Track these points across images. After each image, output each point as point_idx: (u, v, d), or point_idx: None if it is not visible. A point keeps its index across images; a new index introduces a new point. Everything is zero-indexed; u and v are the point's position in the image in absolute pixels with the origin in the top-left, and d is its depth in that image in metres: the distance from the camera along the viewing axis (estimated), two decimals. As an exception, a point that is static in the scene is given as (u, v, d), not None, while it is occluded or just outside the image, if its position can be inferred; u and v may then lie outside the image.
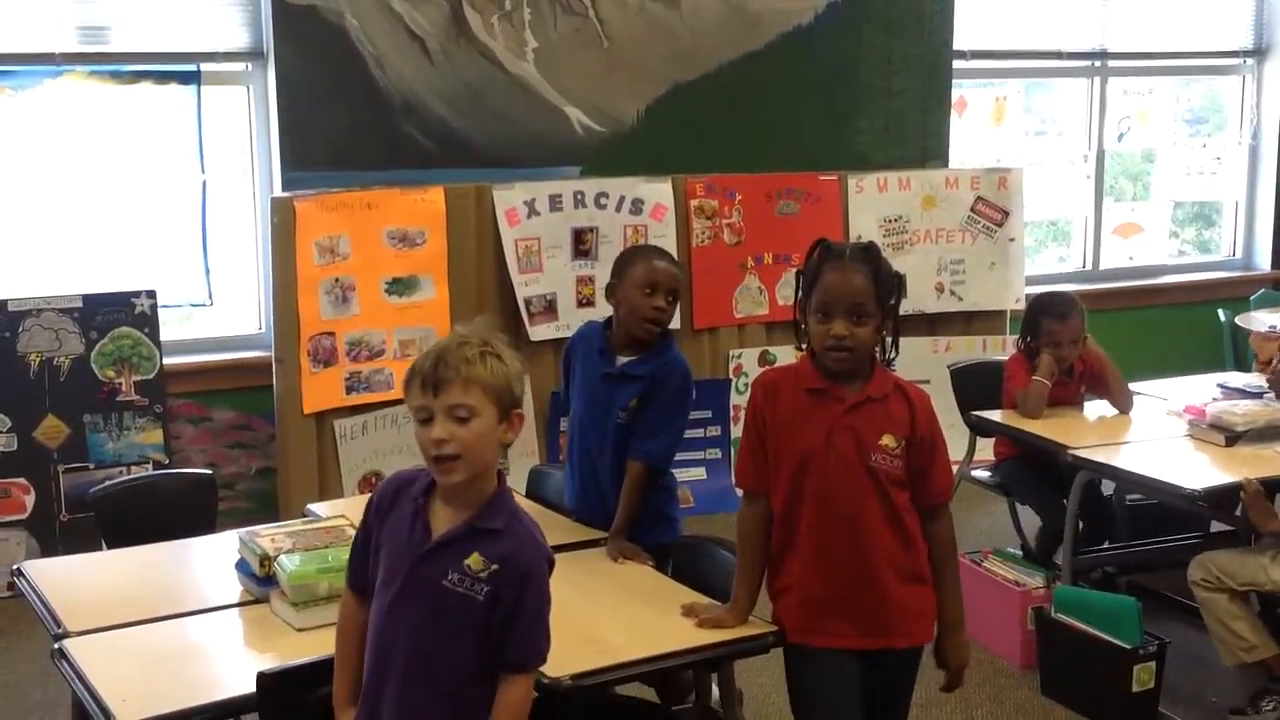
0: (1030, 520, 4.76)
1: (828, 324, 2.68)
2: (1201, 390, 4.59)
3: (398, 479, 2.42)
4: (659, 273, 3.39)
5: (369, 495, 2.46)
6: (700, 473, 5.72)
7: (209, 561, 3.20)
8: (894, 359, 2.80)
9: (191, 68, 5.22)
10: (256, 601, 2.92)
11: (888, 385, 2.75)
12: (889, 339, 2.78)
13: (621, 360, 3.44)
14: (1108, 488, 4.63)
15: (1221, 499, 4.05)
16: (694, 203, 5.77)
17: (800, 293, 2.78)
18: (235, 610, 2.92)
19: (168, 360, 5.09)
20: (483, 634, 2.27)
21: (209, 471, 3.81)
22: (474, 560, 2.26)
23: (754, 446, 2.80)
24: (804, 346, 2.81)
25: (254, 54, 5.33)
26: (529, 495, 3.72)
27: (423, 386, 2.27)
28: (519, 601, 2.27)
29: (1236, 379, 4.67)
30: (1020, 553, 4.60)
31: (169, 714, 2.43)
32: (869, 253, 2.74)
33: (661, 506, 3.44)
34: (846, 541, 2.71)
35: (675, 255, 5.58)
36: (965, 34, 6.47)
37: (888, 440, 2.70)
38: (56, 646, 2.71)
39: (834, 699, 2.73)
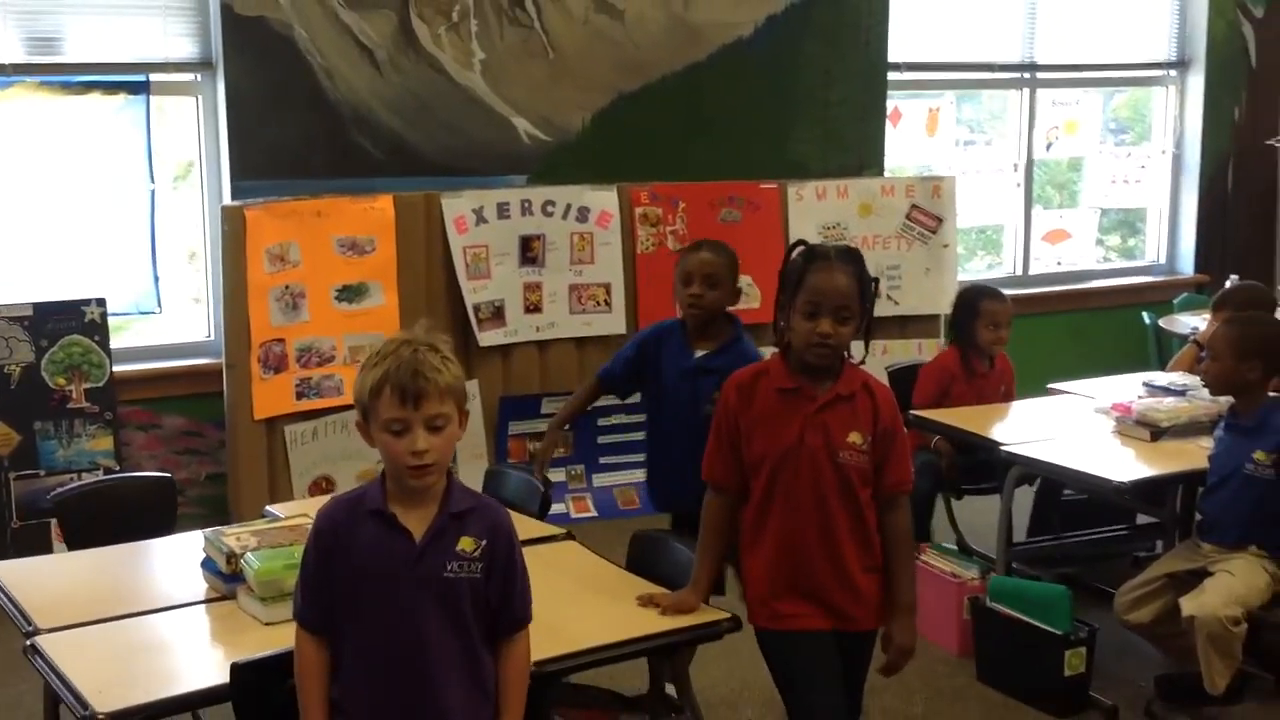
0: (970, 516, 4.96)
1: (813, 323, 2.80)
2: (1128, 389, 4.77)
3: (340, 505, 2.45)
4: (691, 263, 3.75)
5: (311, 531, 2.45)
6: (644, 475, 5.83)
7: (173, 561, 3.27)
8: (864, 359, 2.93)
9: (141, 78, 5.27)
10: (223, 598, 3.00)
11: (856, 383, 2.89)
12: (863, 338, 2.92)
13: (698, 354, 3.70)
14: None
15: (1148, 491, 4.25)
16: (639, 210, 5.89)
17: (780, 291, 2.90)
18: (202, 606, 3.00)
19: (118, 368, 5.13)
20: (484, 606, 2.41)
21: (168, 475, 3.86)
22: (466, 543, 2.39)
23: (724, 443, 2.93)
24: (781, 344, 2.93)
25: (203, 64, 5.39)
26: (486, 494, 3.82)
27: (401, 400, 2.32)
28: (510, 563, 2.44)
29: (1161, 378, 4.85)
30: (956, 547, 4.78)
31: (146, 704, 2.50)
32: (853, 255, 2.88)
33: None
34: (815, 533, 2.85)
35: (620, 262, 5.83)
36: (900, 47, 6.66)
37: (855, 438, 2.84)
38: (29, 643, 2.77)
39: (818, 668, 2.86)
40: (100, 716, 2.44)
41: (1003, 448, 4.30)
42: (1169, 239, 7.78)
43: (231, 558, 2.97)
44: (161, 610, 2.96)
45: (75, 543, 3.51)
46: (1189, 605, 3.71)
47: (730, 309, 3.80)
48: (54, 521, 4.83)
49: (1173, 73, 7.67)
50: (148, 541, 3.41)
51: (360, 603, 2.38)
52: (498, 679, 2.45)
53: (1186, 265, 7.71)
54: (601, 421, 5.67)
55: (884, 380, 5.10)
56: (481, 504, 2.47)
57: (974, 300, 4.92)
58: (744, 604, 3.00)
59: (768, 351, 3.16)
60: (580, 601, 3.05)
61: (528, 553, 3.24)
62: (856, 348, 2.92)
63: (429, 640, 2.37)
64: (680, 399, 3.73)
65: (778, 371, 2.91)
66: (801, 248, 2.92)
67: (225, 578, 2.99)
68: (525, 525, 3.49)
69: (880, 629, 2.96)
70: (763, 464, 2.87)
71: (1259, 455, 3.80)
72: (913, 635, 2.96)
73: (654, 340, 3.88)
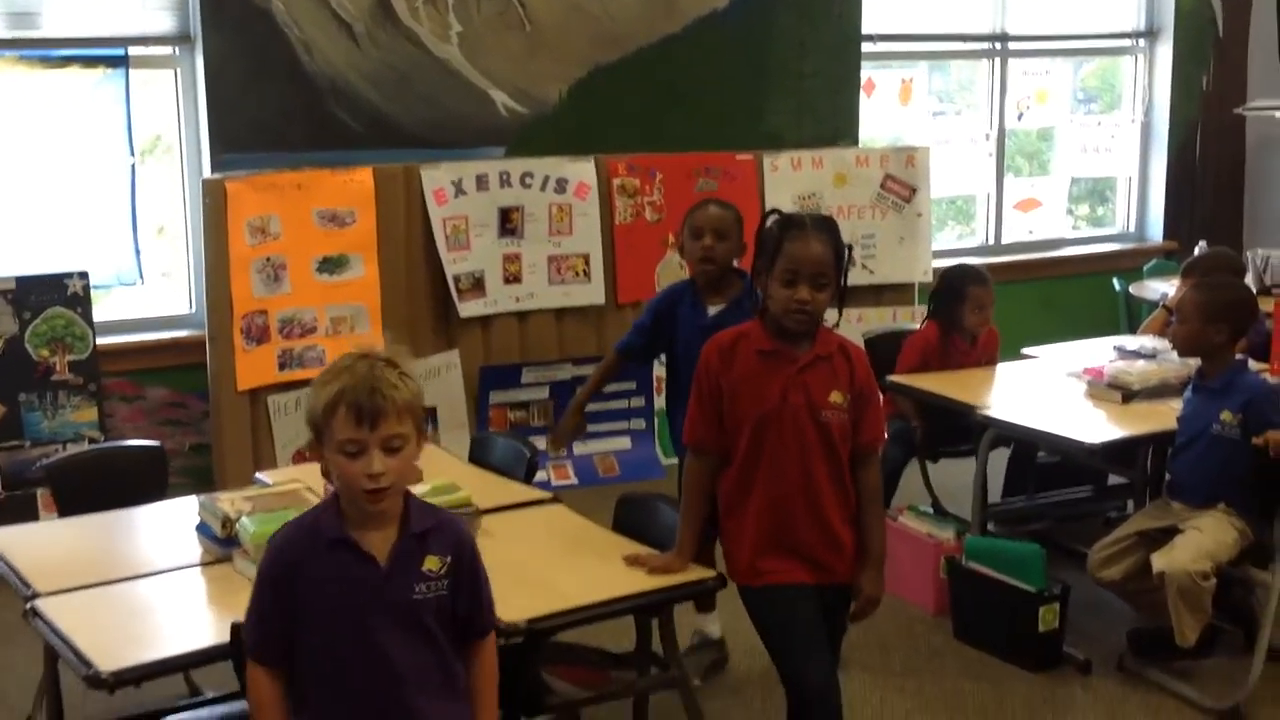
0: (945, 479, 5.06)
1: (791, 290, 2.88)
2: (1099, 353, 4.86)
3: (294, 533, 2.35)
4: (700, 218, 3.85)
5: (266, 561, 2.34)
6: (625, 442, 5.92)
7: (166, 527, 3.33)
8: (838, 323, 3.01)
9: (119, 52, 5.29)
10: (218, 561, 3.06)
11: (832, 344, 2.97)
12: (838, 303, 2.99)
13: (712, 311, 3.79)
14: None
15: (1118, 452, 4.34)
16: (616, 181, 5.94)
17: (757, 258, 2.97)
18: (198, 570, 3.06)
19: (101, 340, 5.16)
20: (450, 619, 2.35)
21: (159, 444, 3.90)
22: (431, 563, 2.31)
23: (705, 406, 3.00)
24: (757, 309, 3.00)
25: (181, 38, 5.40)
26: (473, 461, 3.89)
27: (358, 420, 2.21)
28: (475, 574, 2.38)
29: (1132, 342, 4.94)
30: (932, 510, 4.87)
31: (148, 662, 2.57)
32: (828, 223, 2.95)
33: None
34: (800, 491, 2.93)
35: (599, 232, 5.88)
36: (872, 18, 6.72)
37: (835, 397, 2.93)
38: (29, 606, 2.82)
39: (806, 624, 2.94)
40: (105, 674, 2.50)
41: (977, 411, 4.38)
42: (1138, 207, 7.88)
43: (227, 522, 3.03)
44: (158, 574, 3.02)
45: (67, 510, 3.55)
46: (1159, 561, 3.81)
47: (738, 263, 3.87)
48: (40, 492, 4.88)
49: (1141, 42, 7.76)
50: (140, 508, 3.46)
51: (326, 635, 2.28)
52: (469, 683, 2.40)
53: (1156, 232, 7.82)
54: (582, 391, 5.73)
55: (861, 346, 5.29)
56: (442, 520, 2.38)
57: (960, 285, 4.95)
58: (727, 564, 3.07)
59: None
60: (569, 562, 3.11)
61: (516, 516, 3.38)
62: (830, 313, 2.99)
63: (403, 664, 2.29)
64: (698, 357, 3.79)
65: (757, 334, 2.98)
66: (777, 216, 2.99)
67: (220, 542, 3.05)
68: (513, 490, 3.59)
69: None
70: (745, 425, 2.94)
71: (1225, 416, 3.88)
72: (881, 586, 3.04)
73: (668, 304, 3.97)
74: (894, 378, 4.77)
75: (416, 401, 2.28)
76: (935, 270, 6.39)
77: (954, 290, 4.96)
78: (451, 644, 2.37)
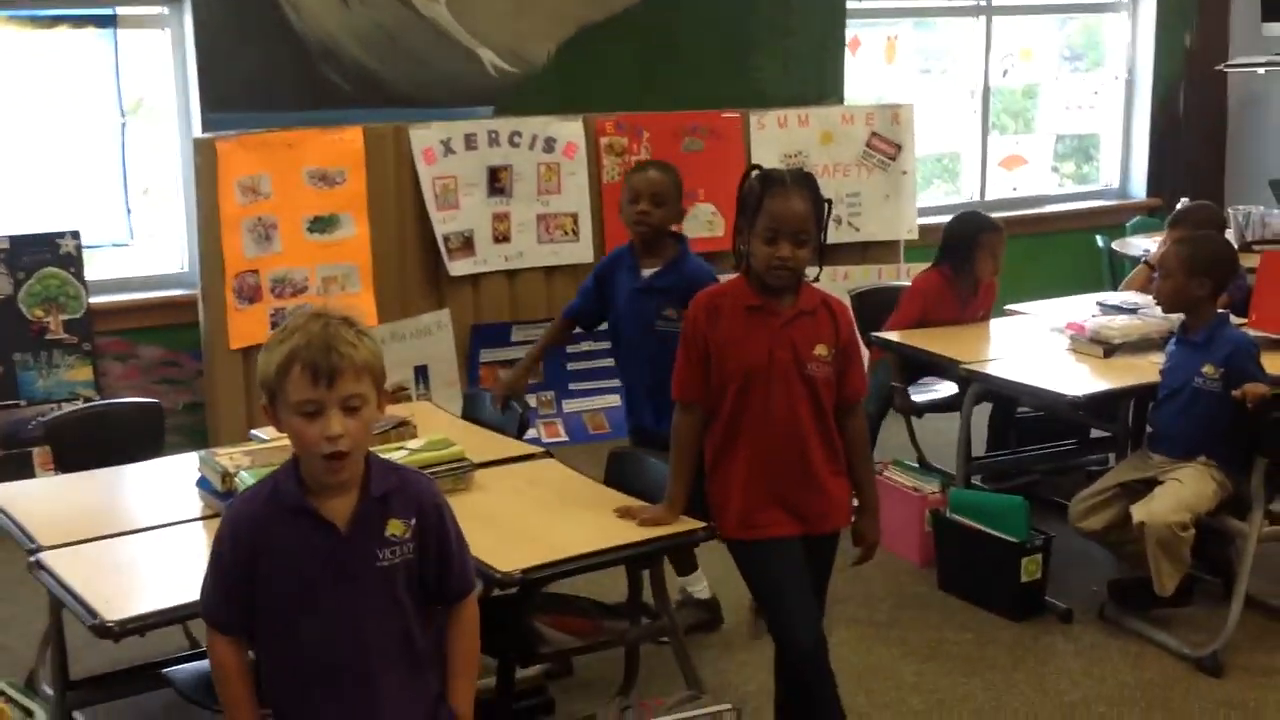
0: (929, 435, 5.13)
1: (773, 247, 2.92)
2: (1082, 309, 4.92)
3: (253, 501, 2.27)
4: (638, 181, 3.83)
5: (224, 529, 2.27)
6: (615, 399, 5.97)
7: (165, 482, 3.38)
8: (818, 276, 3.06)
9: (109, 11, 5.30)
10: (217, 515, 3.10)
11: (815, 299, 3.03)
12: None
13: (647, 273, 3.80)
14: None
15: (1100, 405, 4.42)
16: (604, 140, 5.98)
17: (739, 215, 3.02)
18: (199, 523, 3.11)
19: (94, 299, 5.20)
20: (420, 584, 2.27)
21: (156, 401, 3.95)
22: (395, 527, 2.22)
23: (693, 361, 3.04)
24: (741, 266, 3.04)
25: (170, -3, 5.43)
26: (466, 418, 3.95)
27: (314, 378, 2.11)
28: (443, 536, 2.28)
29: (1114, 297, 5.00)
30: (917, 465, 4.94)
31: (152, 612, 2.62)
32: (807, 179, 2.99)
33: None
34: (787, 443, 2.99)
35: (587, 191, 5.92)
36: (858, -25, 6.75)
37: (820, 350, 2.99)
38: (33, 559, 2.87)
39: (793, 576, 3.01)
40: (110, 624, 2.55)
41: (961, 366, 4.44)
42: (1122, 164, 7.93)
43: (226, 476, 3.08)
44: (159, 528, 3.08)
45: (66, 467, 3.60)
46: (1139, 512, 3.89)
47: (676, 228, 3.90)
48: (35, 451, 4.93)
49: None
50: (138, 464, 3.52)
51: (289, 606, 2.21)
52: (447, 648, 2.33)
53: (1139, 189, 7.88)
54: (570, 349, 5.79)
55: (847, 303, 5.34)
56: (406, 479, 2.29)
57: (975, 233, 4.90)
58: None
59: (723, 275, 3.30)
60: (561, 514, 3.17)
61: (509, 471, 3.43)
62: (811, 269, 3.04)
63: (364, 636, 2.22)
64: (632, 319, 3.85)
65: (741, 290, 3.04)
66: (757, 172, 3.03)
67: (220, 495, 3.10)
68: (505, 444, 3.65)
69: (842, 529, 3.12)
70: (733, 380, 3.00)
71: (1207, 369, 3.94)
72: (879, 531, 3.15)
73: (609, 267, 3.98)
74: (879, 333, 4.82)
75: (375, 361, 2.19)
76: (920, 228, 6.47)
77: (968, 238, 4.90)
78: (420, 612, 2.29)
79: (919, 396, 5.05)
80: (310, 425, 2.14)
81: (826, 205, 3.02)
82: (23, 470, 4.90)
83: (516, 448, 3.62)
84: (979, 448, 4.97)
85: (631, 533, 3.04)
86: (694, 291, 3.44)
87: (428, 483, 2.34)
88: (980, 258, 4.89)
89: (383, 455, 2.42)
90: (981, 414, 4.92)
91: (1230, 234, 5.76)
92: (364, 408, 2.17)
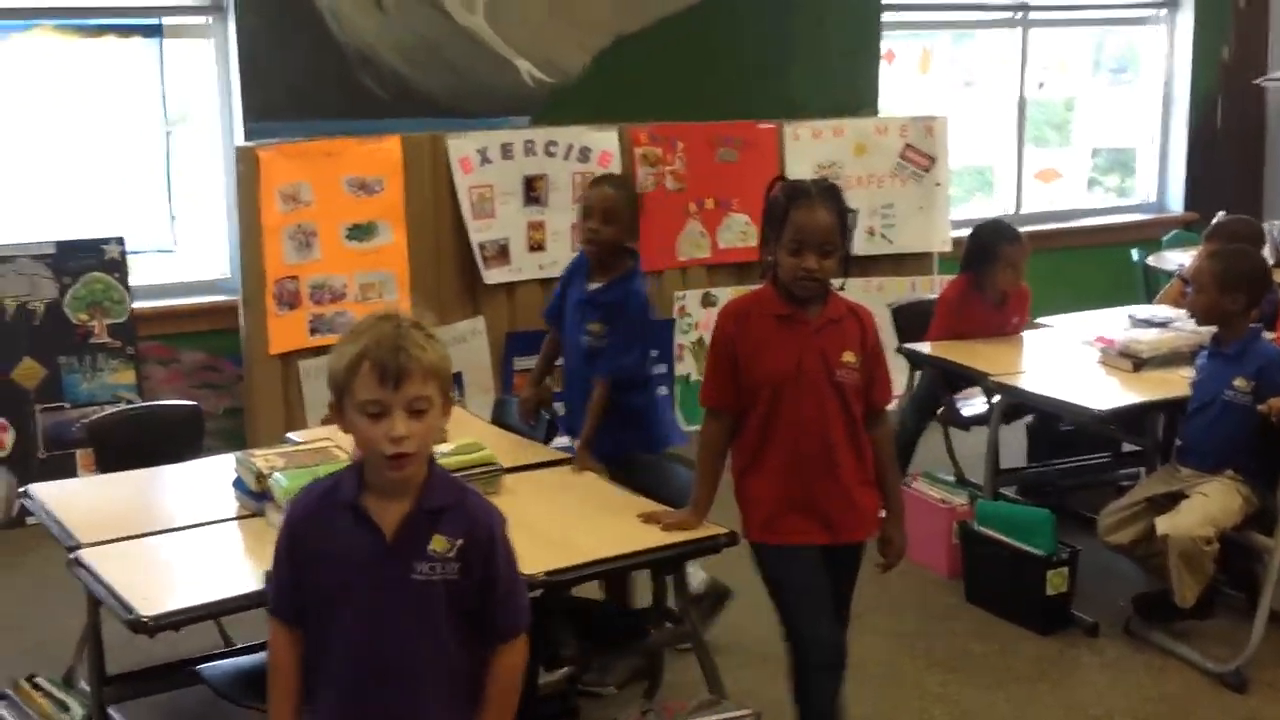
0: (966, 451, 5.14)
1: (799, 258, 2.97)
2: (1114, 322, 4.93)
3: (312, 493, 2.29)
4: (593, 197, 3.79)
5: (283, 522, 2.31)
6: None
7: (202, 482, 3.45)
8: (843, 285, 3.11)
9: (154, 21, 5.41)
10: (253, 515, 3.19)
11: (842, 308, 3.08)
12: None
13: (592, 286, 3.79)
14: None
15: (1126, 419, 4.42)
16: (639, 150, 6.03)
17: (765, 226, 3.07)
18: (234, 523, 3.19)
19: (138, 304, 5.30)
20: (461, 612, 2.22)
21: (196, 404, 4.03)
22: (438, 543, 2.19)
23: (722, 370, 3.08)
24: (767, 276, 3.09)
25: (215, 7, 5.51)
26: (495, 423, 4.01)
27: (381, 379, 2.11)
28: (491, 568, 2.22)
29: (1145, 311, 5.01)
30: (952, 478, 4.93)
31: (189, 608, 2.70)
32: (832, 191, 3.03)
33: (639, 419, 3.80)
34: (816, 451, 3.03)
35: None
36: (893, -12, 6.79)
37: (849, 357, 3.04)
38: (72, 556, 2.95)
39: (815, 586, 3.06)
40: (146, 619, 2.62)
41: (989, 378, 4.47)
42: (1159, 177, 7.91)
43: (260, 477, 3.15)
44: (195, 527, 3.15)
45: (107, 467, 3.68)
46: (1163, 524, 3.90)
47: (631, 245, 3.85)
48: (78, 452, 5.03)
49: (1162, 12, 7.77)
50: (177, 465, 3.60)
51: (328, 602, 2.21)
52: (485, 687, 2.26)
53: (1176, 203, 7.85)
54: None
55: (881, 314, 5.36)
56: (466, 500, 2.25)
57: (993, 244, 4.85)
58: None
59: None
60: (586, 519, 3.23)
61: (536, 476, 3.48)
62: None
63: (397, 647, 2.19)
64: (571, 328, 3.86)
65: (770, 300, 3.08)
66: (782, 184, 3.08)
67: (255, 496, 3.17)
68: (532, 450, 3.71)
69: (868, 540, 3.15)
70: (763, 388, 3.04)
71: (1239, 382, 3.95)
72: (905, 537, 3.18)
73: (569, 274, 3.98)
74: (909, 345, 4.85)
75: (443, 365, 2.18)
76: (954, 240, 6.48)
77: (986, 249, 4.86)
78: (461, 637, 2.23)
79: (964, 410, 5.04)
80: (375, 426, 2.13)
81: (852, 215, 3.06)
82: (66, 471, 5.00)
83: (544, 453, 3.68)
84: (1016, 460, 4.97)
85: (655, 537, 3.09)
86: (617, 310, 3.47)
87: (490, 510, 2.28)
88: (1000, 268, 4.85)
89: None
90: (1019, 427, 4.91)
91: (1267, 249, 5.74)
92: (429, 411, 2.16)
